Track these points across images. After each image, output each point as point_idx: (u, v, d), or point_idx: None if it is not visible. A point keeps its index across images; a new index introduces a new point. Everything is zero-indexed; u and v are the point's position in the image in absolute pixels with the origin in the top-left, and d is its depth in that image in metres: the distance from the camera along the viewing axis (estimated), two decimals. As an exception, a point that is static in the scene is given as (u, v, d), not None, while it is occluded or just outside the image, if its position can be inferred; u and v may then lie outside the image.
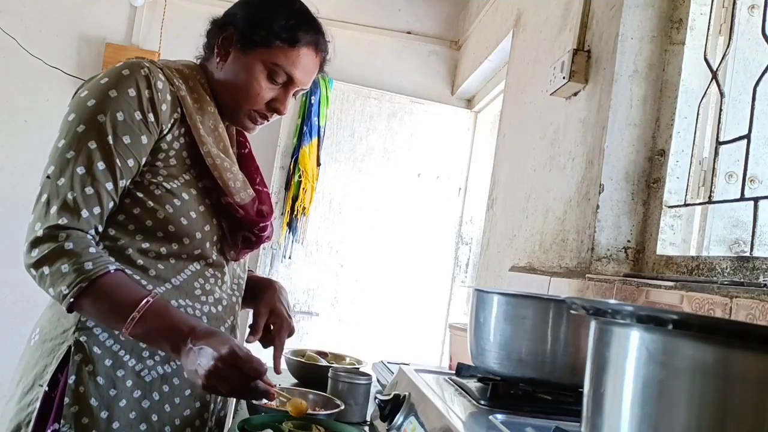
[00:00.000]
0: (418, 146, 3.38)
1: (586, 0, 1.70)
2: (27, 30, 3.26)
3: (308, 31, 1.21)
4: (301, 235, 3.23)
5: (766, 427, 0.46)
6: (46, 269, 1.02)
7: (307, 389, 1.36)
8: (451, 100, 3.50)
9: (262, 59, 1.19)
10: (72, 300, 1.01)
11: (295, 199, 3.20)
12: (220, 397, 1.23)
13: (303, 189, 3.19)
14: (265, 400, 1.25)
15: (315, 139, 3.22)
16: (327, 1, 3.32)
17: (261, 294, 1.33)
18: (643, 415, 0.52)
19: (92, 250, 1.04)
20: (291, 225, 3.21)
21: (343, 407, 1.25)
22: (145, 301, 1.03)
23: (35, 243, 1.04)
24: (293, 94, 1.26)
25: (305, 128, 3.21)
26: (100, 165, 1.07)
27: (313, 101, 3.22)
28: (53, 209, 1.04)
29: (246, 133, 1.35)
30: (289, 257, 3.24)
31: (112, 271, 1.04)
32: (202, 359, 0.99)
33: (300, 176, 3.19)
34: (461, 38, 3.47)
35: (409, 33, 3.53)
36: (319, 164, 3.24)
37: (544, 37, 2.05)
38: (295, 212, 3.20)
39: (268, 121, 1.27)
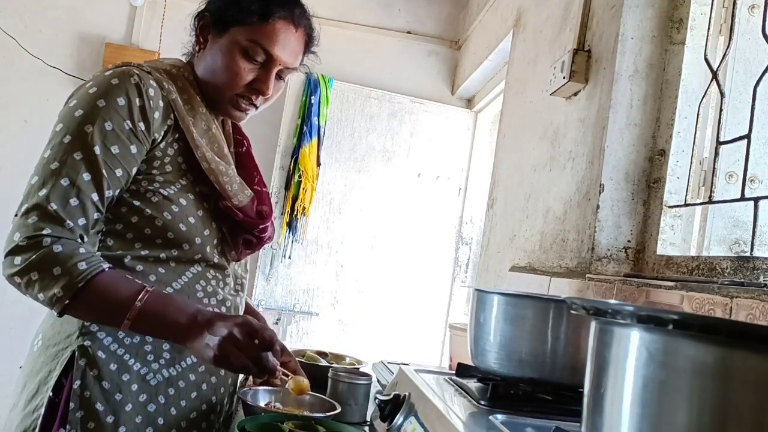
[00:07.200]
0: (418, 146, 3.38)
1: (586, 0, 1.70)
2: (27, 30, 3.26)
3: (281, 4, 1.17)
4: (301, 235, 3.23)
5: (766, 427, 0.46)
6: (34, 275, 0.99)
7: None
8: (451, 100, 3.50)
9: (236, 38, 1.16)
10: (67, 302, 0.98)
11: (295, 199, 3.20)
12: (227, 397, 1.23)
13: (303, 189, 3.19)
14: (261, 403, 1.25)
15: (315, 139, 3.22)
16: (326, 0, 3.34)
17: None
18: (643, 415, 0.52)
19: (82, 250, 1.02)
20: (291, 225, 3.21)
21: (339, 409, 1.25)
22: (145, 290, 1.02)
23: (17, 251, 0.99)
24: (280, 76, 1.21)
25: (305, 128, 3.21)
26: (86, 176, 1.03)
27: (313, 101, 3.22)
28: (34, 219, 1.00)
29: (245, 133, 1.34)
30: (289, 257, 3.24)
31: (105, 270, 1.02)
32: (215, 329, 1.00)
33: (300, 176, 3.19)
34: (461, 38, 3.47)
35: (409, 33, 3.53)
36: (319, 164, 3.24)
37: (544, 37, 2.05)
38: (295, 212, 3.20)
39: (255, 107, 1.22)
